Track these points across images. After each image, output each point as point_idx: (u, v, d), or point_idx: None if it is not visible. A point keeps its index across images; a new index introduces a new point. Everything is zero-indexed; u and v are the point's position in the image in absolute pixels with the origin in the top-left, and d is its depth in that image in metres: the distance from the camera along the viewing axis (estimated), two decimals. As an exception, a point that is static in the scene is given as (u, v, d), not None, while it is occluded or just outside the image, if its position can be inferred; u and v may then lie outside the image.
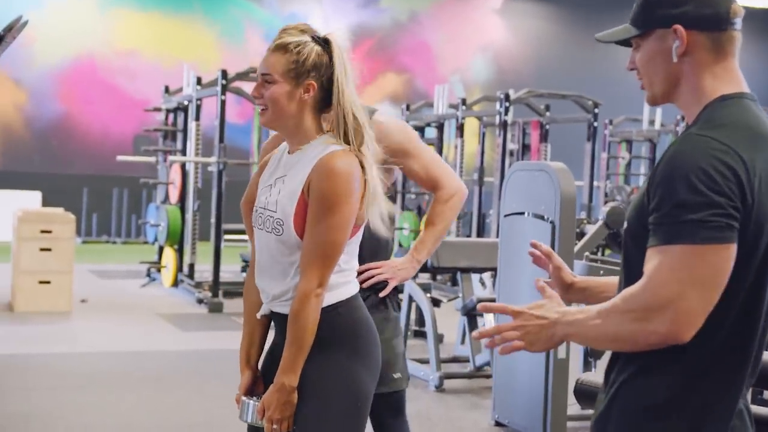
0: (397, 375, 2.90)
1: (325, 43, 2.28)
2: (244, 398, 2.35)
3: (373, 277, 2.88)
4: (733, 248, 1.58)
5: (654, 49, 1.74)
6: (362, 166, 2.24)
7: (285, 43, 2.28)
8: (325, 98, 2.28)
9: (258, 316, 2.37)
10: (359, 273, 2.89)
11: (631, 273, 1.71)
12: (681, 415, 1.65)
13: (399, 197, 10.83)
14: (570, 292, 1.99)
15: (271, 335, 2.40)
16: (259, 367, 2.41)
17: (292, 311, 2.22)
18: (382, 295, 2.90)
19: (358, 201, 2.22)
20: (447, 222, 2.98)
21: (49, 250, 7.93)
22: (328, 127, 2.30)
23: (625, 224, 1.75)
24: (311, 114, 2.29)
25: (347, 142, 2.26)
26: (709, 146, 1.60)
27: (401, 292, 3.06)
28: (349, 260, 2.32)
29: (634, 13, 1.77)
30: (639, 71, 1.78)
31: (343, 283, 2.30)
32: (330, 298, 2.26)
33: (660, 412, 1.66)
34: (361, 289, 2.87)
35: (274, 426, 2.23)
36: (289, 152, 2.34)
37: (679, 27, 1.70)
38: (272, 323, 2.37)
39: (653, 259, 1.60)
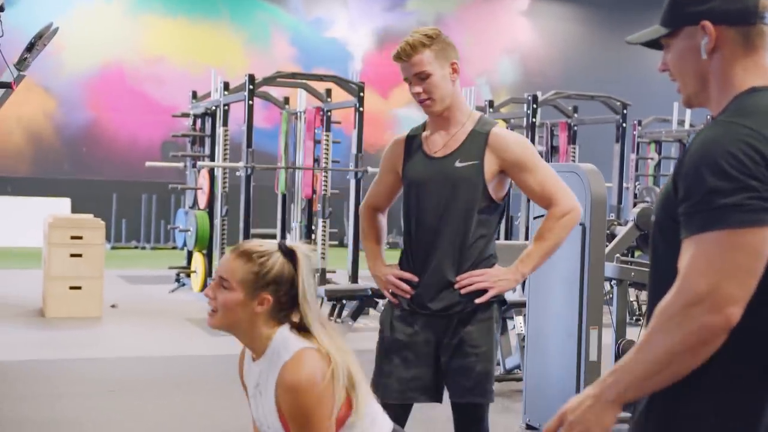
0: (492, 388, 2.93)
1: (290, 254, 2.22)
2: None
3: (473, 284, 2.88)
4: None
5: (683, 48, 1.72)
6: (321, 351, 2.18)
7: (249, 252, 2.21)
8: (284, 308, 2.23)
9: None
10: (460, 280, 2.89)
11: (659, 268, 1.68)
12: (716, 413, 1.61)
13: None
14: None
15: None
16: None
17: None
18: (477, 301, 2.90)
19: (328, 398, 2.15)
20: (558, 239, 2.96)
21: (79, 255, 7.99)
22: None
23: (653, 218, 1.72)
24: (265, 322, 2.22)
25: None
26: (737, 132, 1.57)
27: (506, 303, 3.05)
28: (359, 427, 2.25)
29: (663, 13, 1.75)
30: (671, 72, 1.76)
31: None
32: None
33: (696, 407, 1.62)
34: (461, 297, 2.89)
35: None
36: (252, 360, 2.30)
37: (707, 23, 1.67)
38: None
39: (688, 251, 1.57)
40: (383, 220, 3.21)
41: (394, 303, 3.00)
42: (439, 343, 2.94)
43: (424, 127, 3.07)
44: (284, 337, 2.21)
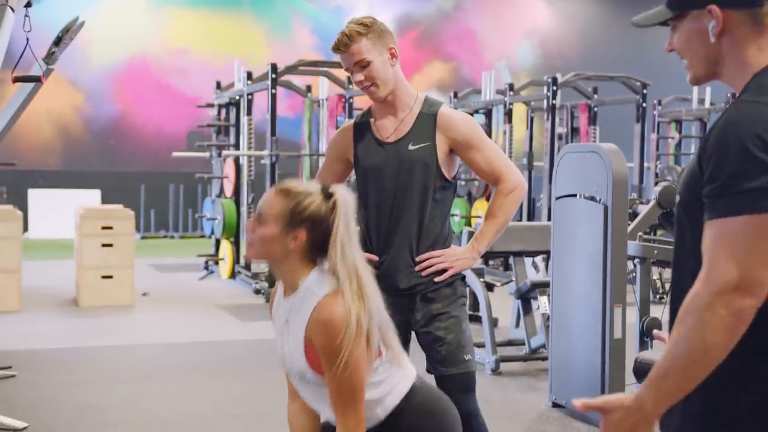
0: (467, 357, 2.96)
1: (329, 196, 2.23)
2: None
3: (433, 265, 2.93)
4: None
5: (690, 30, 1.69)
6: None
7: (288, 189, 2.24)
8: (318, 248, 2.23)
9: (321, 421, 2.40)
10: (419, 261, 2.92)
11: (685, 247, 1.66)
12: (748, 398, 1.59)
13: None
14: None
15: None
16: None
17: None
18: (437, 280, 2.95)
19: (361, 337, 2.16)
20: (507, 215, 3.02)
21: (110, 245, 8.04)
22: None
23: (677, 198, 1.69)
24: (298, 260, 2.24)
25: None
26: (762, 112, 1.54)
27: (464, 278, 3.10)
28: (382, 372, 2.28)
29: None
30: (678, 52, 1.74)
31: (388, 393, 2.29)
32: (386, 408, 2.28)
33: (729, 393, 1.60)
34: (422, 277, 2.92)
35: None
36: (284, 295, 2.32)
37: (713, 7, 1.65)
38: None
39: (712, 235, 1.54)
40: None
41: None
42: (407, 322, 2.98)
43: (369, 113, 3.09)
44: (318, 276, 2.24)
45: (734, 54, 1.66)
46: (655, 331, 1.92)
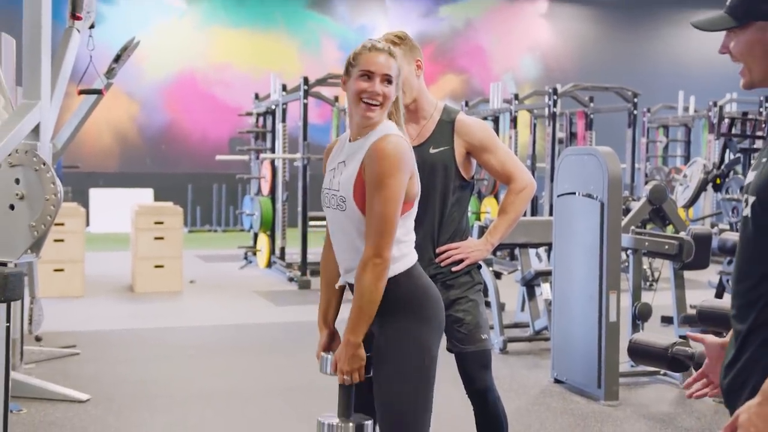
0: (484, 336, 2.93)
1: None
2: (322, 354, 2.40)
3: (451, 257, 2.92)
4: None
5: (754, 39, 1.61)
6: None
7: (392, 51, 2.32)
8: (395, 103, 2.34)
9: (336, 286, 2.41)
10: (439, 253, 2.91)
11: (761, 245, 1.57)
12: None
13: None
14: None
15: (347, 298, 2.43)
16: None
17: (355, 277, 2.24)
18: (454, 269, 2.93)
19: (406, 178, 2.22)
20: (518, 211, 2.99)
21: (161, 238, 8.08)
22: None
23: (752, 198, 1.59)
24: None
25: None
26: None
27: (480, 267, 3.09)
28: (406, 233, 2.30)
29: (733, 4, 1.64)
30: (735, 57, 1.65)
31: (400, 257, 2.28)
32: (391, 270, 2.25)
33: None
34: (442, 267, 2.91)
35: (345, 377, 2.27)
36: (350, 140, 2.34)
37: None
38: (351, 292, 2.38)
39: None
40: None
41: None
42: None
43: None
44: (389, 124, 2.29)
45: None
46: (692, 333, 1.87)
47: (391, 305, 2.24)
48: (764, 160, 1.60)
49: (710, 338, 1.85)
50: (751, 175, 1.64)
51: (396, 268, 2.26)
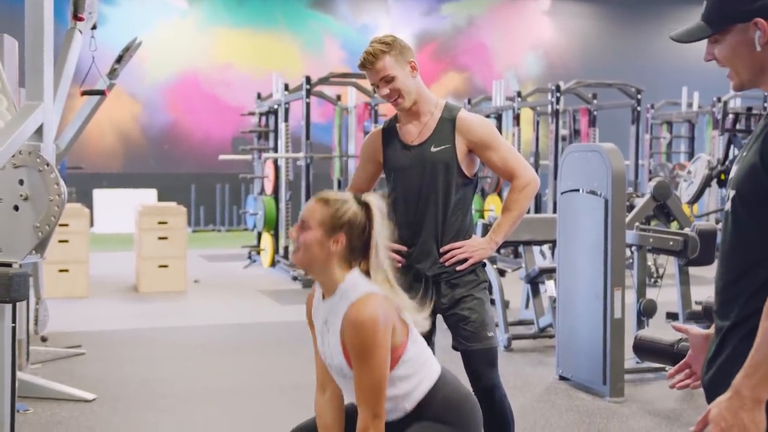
0: (490, 334, 2.93)
1: (364, 205, 2.23)
2: None
3: (455, 256, 2.90)
4: None
5: (736, 42, 1.61)
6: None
7: (328, 198, 2.23)
8: (356, 252, 2.23)
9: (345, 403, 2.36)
10: (443, 253, 2.89)
11: (741, 239, 1.58)
12: None
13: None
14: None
15: None
16: None
17: None
18: (459, 268, 2.92)
19: (387, 338, 2.14)
20: (522, 208, 2.97)
21: (165, 238, 8.09)
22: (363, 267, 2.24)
23: (732, 192, 1.60)
24: (338, 263, 2.22)
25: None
26: None
27: (485, 265, 3.08)
28: (409, 367, 2.24)
29: (709, 12, 1.64)
30: (721, 62, 1.66)
31: (416, 386, 2.25)
32: (413, 401, 2.24)
33: None
34: (447, 266, 2.90)
35: None
36: (322, 298, 2.30)
37: (760, 20, 1.58)
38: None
39: None
40: None
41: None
42: (434, 307, 2.93)
43: (395, 119, 3.06)
44: (354, 279, 2.21)
45: None
46: (676, 324, 1.87)
47: (428, 423, 2.24)
48: (745, 153, 1.60)
49: (694, 329, 1.85)
50: (734, 170, 1.64)
51: (414, 399, 2.24)
